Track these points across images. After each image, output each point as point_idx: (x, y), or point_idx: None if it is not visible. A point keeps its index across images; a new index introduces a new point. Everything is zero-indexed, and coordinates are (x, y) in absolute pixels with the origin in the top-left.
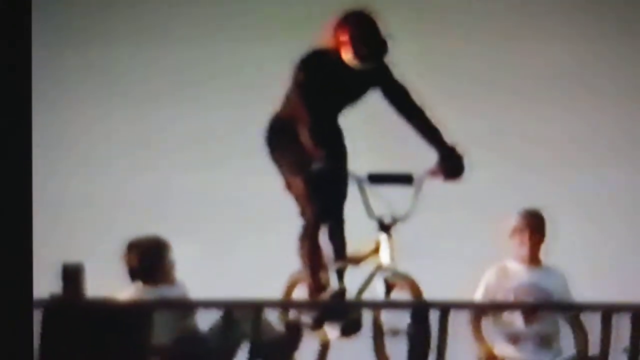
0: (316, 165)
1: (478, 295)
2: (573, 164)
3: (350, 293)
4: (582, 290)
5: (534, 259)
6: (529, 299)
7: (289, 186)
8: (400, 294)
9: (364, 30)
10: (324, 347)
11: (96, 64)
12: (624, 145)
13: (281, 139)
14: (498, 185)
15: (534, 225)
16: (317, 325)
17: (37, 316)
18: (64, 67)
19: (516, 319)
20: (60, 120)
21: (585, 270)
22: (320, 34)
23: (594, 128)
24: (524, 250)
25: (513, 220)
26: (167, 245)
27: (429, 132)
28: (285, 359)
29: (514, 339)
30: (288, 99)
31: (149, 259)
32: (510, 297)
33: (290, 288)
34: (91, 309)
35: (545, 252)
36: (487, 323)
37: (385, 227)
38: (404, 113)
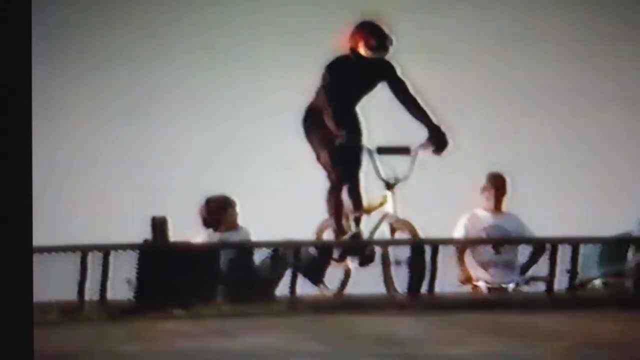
0: (338, 142)
1: (457, 235)
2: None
3: (365, 234)
4: (538, 228)
5: (497, 208)
6: (494, 236)
7: (319, 157)
8: (402, 234)
9: (373, 30)
10: (347, 274)
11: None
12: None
13: (313, 123)
14: (476, 154)
15: (498, 185)
16: (341, 258)
17: (134, 256)
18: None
19: (488, 251)
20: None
21: (541, 213)
22: (340, 39)
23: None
24: (490, 203)
25: (483, 180)
26: (232, 202)
27: (421, 115)
28: (319, 274)
29: (487, 265)
30: (317, 95)
31: (216, 212)
32: (482, 235)
33: (321, 232)
34: (173, 250)
35: (506, 203)
36: (467, 254)
37: (390, 186)
38: (403, 101)
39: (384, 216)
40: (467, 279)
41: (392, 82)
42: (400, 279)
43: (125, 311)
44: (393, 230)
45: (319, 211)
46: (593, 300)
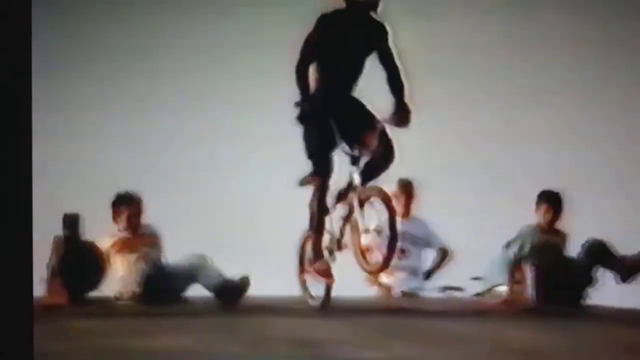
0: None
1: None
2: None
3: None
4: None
5: (405, 214)
6: (402, 241)
7: None
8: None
9: None
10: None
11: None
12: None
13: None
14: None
15: (407, 191)
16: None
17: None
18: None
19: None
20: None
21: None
22: None
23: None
24: (400, 208)
25: (393, 187)
26: (134, 199)
27: (397, 86)
28: (234, 300)
29: (392, 270)
30: None
31: (118, 211)
32: None
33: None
34: (83, 247)
35: (415, 209)
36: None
37: (355, 160)
38: (386, 69)
39: (352, 190)
40: (374, 279)
41: (382, 51)
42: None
43: (39, 308)
44: (361, 202)
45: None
46: (499, 307)
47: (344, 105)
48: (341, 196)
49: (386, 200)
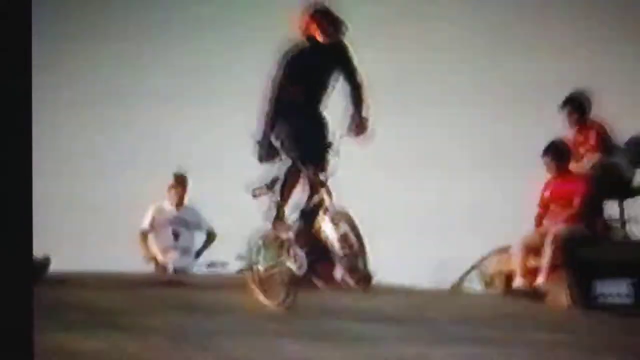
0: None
1: (145, 222)
2: None
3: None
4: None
5: (179, 203)
6: (175, 226)
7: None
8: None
9: (326, 16)
10: None
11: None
12: None
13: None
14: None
15: (181, 183)
16: None
17: None
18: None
19: (168, 237)
20: None
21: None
22: (293, 24)
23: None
24: (174, 197)
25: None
26: None
27: (358, 101)
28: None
29: (167, 250)
30: None
31: None
32: (166, 225)
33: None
34: None
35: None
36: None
37: (322, 184)
38: (349, 84)
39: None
40: (152, 258)
41: (345, 68)
42: None
43: None
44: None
45: None
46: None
47: (314, 123)
48: (306, 215)
49: (353, 224)
